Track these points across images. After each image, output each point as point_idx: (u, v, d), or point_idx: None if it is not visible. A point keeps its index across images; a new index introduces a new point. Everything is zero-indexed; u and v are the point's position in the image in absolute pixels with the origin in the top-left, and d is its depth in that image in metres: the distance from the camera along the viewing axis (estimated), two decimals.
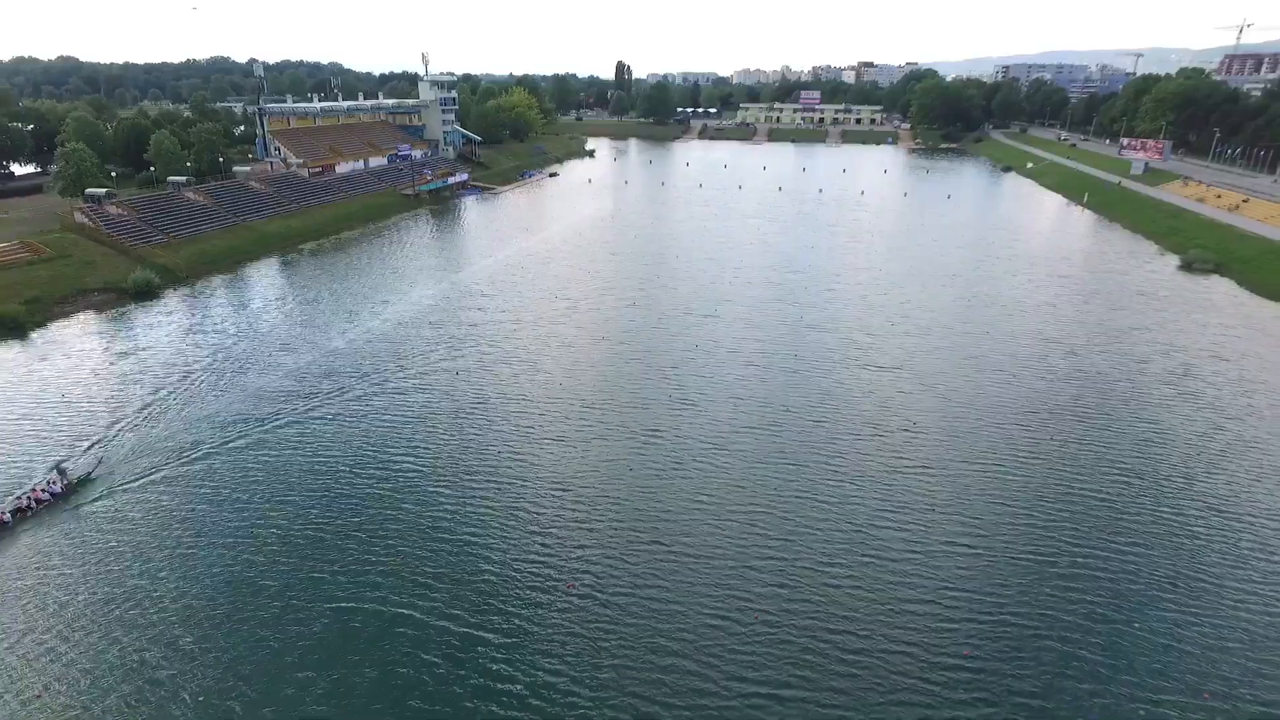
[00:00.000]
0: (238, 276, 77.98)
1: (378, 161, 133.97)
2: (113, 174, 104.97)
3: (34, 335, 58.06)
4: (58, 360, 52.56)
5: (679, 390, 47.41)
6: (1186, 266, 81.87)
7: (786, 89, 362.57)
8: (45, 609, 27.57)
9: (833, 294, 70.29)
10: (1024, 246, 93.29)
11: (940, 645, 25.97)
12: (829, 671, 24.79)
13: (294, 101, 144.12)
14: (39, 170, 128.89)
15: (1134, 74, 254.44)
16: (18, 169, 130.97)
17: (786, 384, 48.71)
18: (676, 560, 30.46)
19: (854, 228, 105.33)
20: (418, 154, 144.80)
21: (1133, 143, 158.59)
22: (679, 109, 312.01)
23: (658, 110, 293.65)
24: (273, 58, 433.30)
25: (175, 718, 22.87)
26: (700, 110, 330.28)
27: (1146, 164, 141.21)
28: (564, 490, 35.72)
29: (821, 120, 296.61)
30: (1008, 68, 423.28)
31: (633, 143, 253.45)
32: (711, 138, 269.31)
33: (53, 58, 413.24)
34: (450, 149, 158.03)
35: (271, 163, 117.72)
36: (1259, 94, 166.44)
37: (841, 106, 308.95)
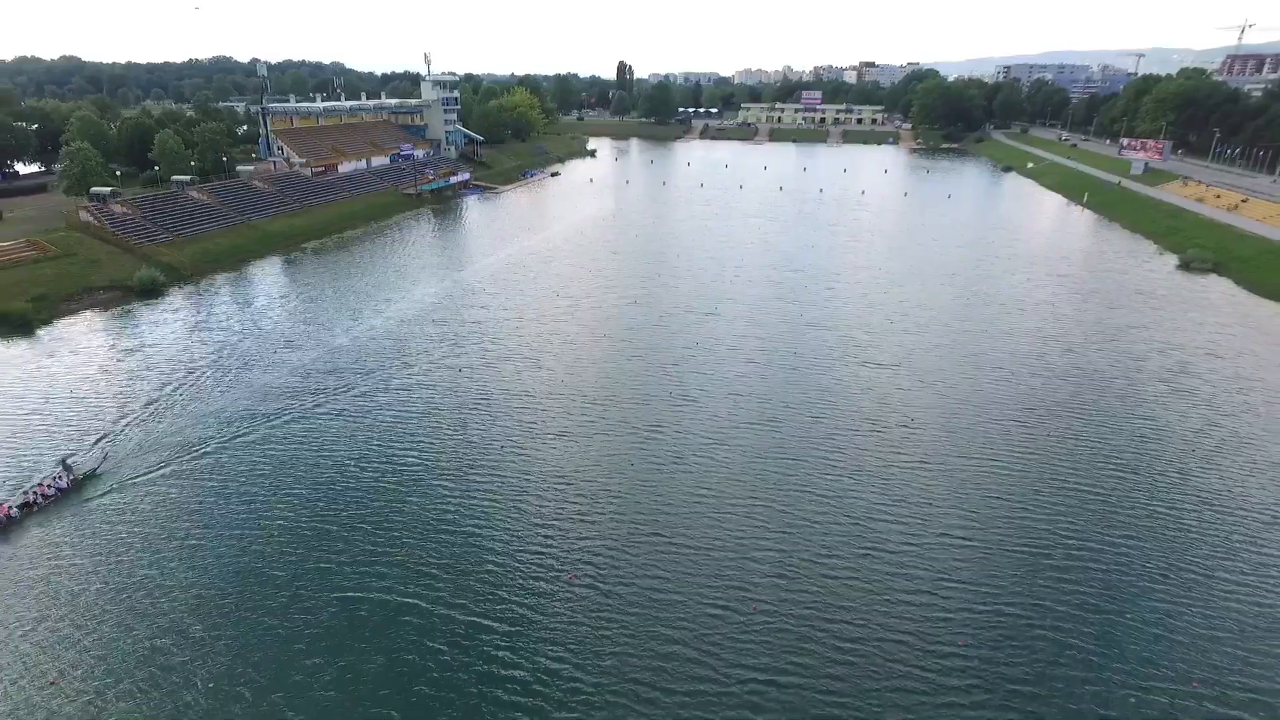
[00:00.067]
0: (242, 275, 78.57)
1: (380, 161, 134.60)
2: (117, 173, 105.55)
3: (41, 332, 58.66)
4: (65, 357, 53.15)
5: (680, 387, 47.93)
6: (1185, 266, 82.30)
7: (788, 89, 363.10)
8: (58, 598, 28.13)
9: (832, 292, 70.79)
10: (1023, 246, 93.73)
11: (936, 635, 26.49)
12: (826, 659, 25.31)
13: (297, 101, 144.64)
14: (43, 170, 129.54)
15: (1135, 74, 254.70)
16: (22, 168, 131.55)
17: (786, 381, 49.22)
18: (677, 552, 30.98)
19: (854, 227, 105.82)
20: (420, 153, 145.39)
21: (1133, 143, 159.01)
22: (680, 109, 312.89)
23: (659, 110, 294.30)
24: (275, 57, 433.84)
25: (188, 703, 23.42)
26: (702, 110, 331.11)
27: (1146, 164, 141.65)
28: (566, 484, 36.26)
29: (823, 120, 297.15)
30: (1009, 68, 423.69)
31: (634, 142, 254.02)
32: (713, 138, 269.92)
33: (55, 57, 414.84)
34: (452, 148, 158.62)
35: (275, 162, 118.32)
36: (1259, 94, 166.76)
37: (843, 106, 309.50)
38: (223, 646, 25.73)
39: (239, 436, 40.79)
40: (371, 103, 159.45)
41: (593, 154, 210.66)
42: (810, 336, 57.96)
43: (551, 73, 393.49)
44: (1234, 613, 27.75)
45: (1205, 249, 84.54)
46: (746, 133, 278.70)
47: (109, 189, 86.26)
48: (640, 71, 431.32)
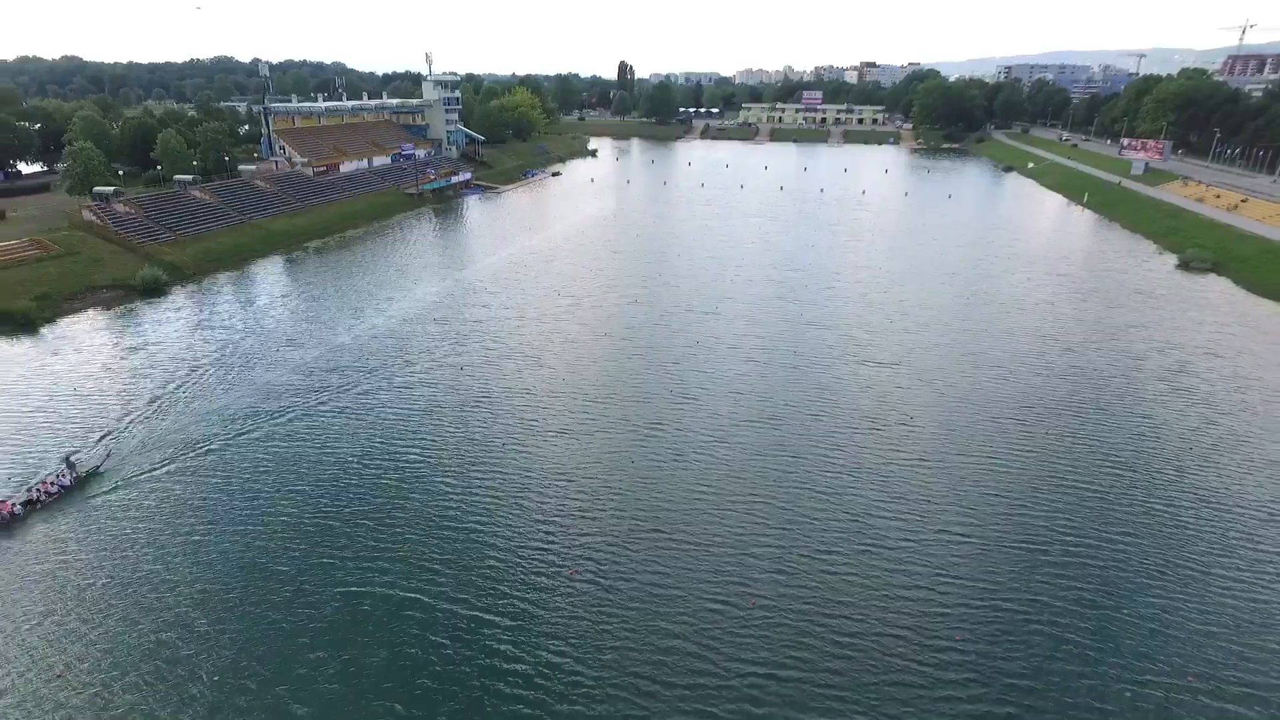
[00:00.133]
0: (244, 274, 78.86)
1: (381, 161, 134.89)
2: (120, 172, 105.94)
3: (44, 331, 58.97)
4: (69, 355, 53.44)
5: (680, 385, 48.18)
6: (1184, 265, 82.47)
7: (789, 89, 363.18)
8: (64, 593, 28.41)
9: (833, 292, 71.03)
10: (1023, 246, 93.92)
11: (934, 629, 26.73)
12: (825, 653, 25.56)
13: (298, 101, 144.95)
14: (46, 169, 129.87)
15: (1136, 74, 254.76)
16: (25, 168, 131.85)
17: (786, 379, 49.46)
18: (677, 548, 31.23)
19: (855, 227, 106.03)
20: (421, 153, 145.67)
21: (1133, 143, 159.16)
22: (681, 109, 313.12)
23: (660, 110, 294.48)
24: (276, 57, 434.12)
25: (193, 695, 23.69)
26: (702, 110, 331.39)
27: (1147, 164, 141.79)
28: (567, 481, 36.51)
29: (823, 120, 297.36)
30: (1010, 68, 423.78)
31: (635, 142, 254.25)
32: (714, 138, 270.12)
33: (57, 57, 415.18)
34: (453, 148, 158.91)
35: (276, 162, 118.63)
36: (1260, 94, 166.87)
37: (844, 107, 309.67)
38: (228, 640, 26.00)
39: (242, 434, 41.07)
40: (373, 103, 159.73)
41: (594, 154, 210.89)
42: (810, 335, 58.21)
43: (552, 73, 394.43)
44: (1229, 608, 27.99)
45: (1205, 249, 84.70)
46: (747, 133, 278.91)
47: (112, 188, 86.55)
48: (641, 71, 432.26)
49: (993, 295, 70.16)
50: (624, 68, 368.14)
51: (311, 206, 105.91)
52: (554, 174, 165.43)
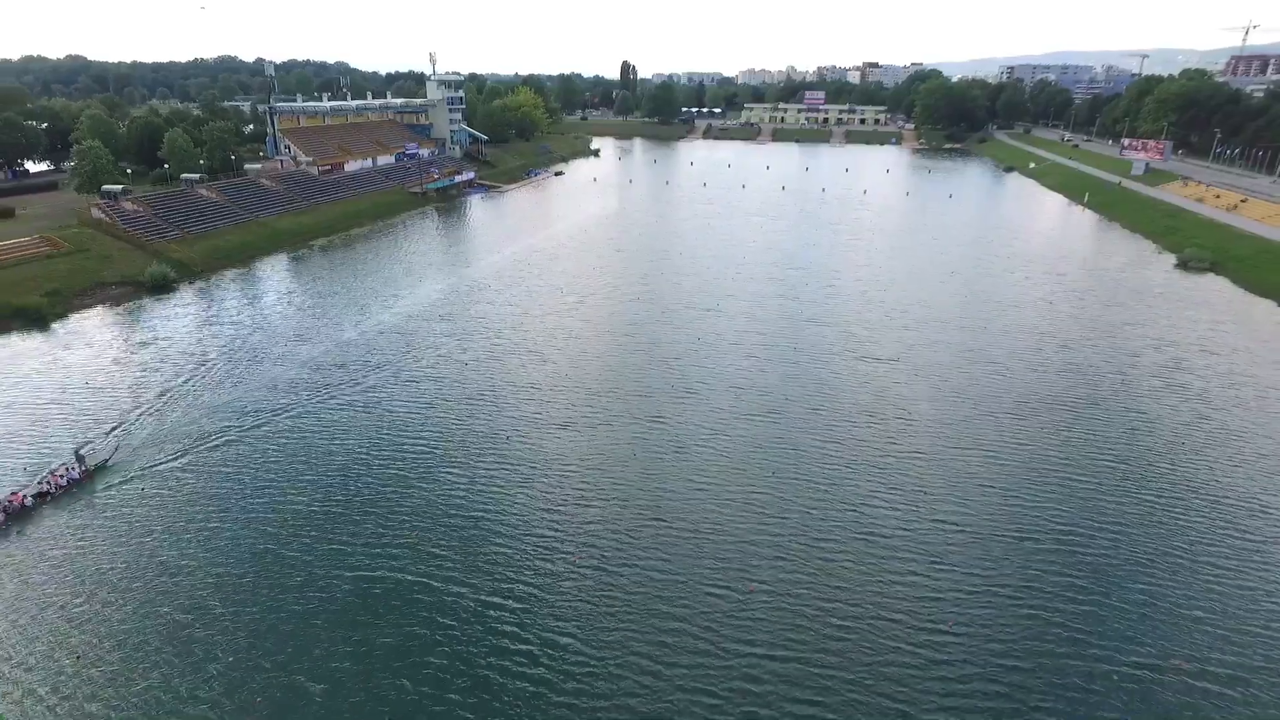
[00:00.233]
0: (250, 271, 79.79)
1: (385, 160, 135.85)
2: (127, 171, 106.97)
3: (55, 326, 59.91)
4: (80, 350, 54.36)
5: (682, 380, 48.97)
6: (1183, 265, 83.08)
7: (791, 89, 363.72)
8: (83, 578, 29.26)
9: (833, 290, 71.78)
10: (1023, 245, 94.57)
11: (928, 613, 27.51)
12: (822, 635, 26.36)
13: (303, 101, 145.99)
14: (53, 168, 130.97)
15: (1139, 75, 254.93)
16: (32, 166, 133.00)
17: (786, 375, 50.23)
18: (678, 536, 32.03)
19: (856, 226, 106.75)
20: (425, 152, 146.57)
21: (1134, 143, 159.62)
22: (684, 109, 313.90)
23: (662, 110, 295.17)
24: (280, 57, 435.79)
25: (211, 674, 24.53)
26: (705, 110, 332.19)
27: (1147, 164, 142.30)
28: (571, 472, 37.33)
29: (826, 120, 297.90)
30: (1013, 68, 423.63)
31: (638, 142, 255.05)
32: (716, 137, 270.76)
33: (61, 56, 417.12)
34: (457, 148, 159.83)
35: (282, 161, 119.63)
36: (1261, 95, 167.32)
37: (846, 107, 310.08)
38: (243, 622, 26.84)
39: (252, 427, 41.90)
40: (377, 102, 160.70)
41: (596, 153, 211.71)
42: (810, 332, 58.98)
43: (555, 72, 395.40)
44: (1216, 595, 28.74)
45: (1203, 248, 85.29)
46: (749, 133, 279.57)
47: (120, 186, 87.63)
48: (644, 71, 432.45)
49: (992, 294, 70.89)
50: (627, 67, 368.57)
51: (317, 205, 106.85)
52: (557, 173, 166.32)
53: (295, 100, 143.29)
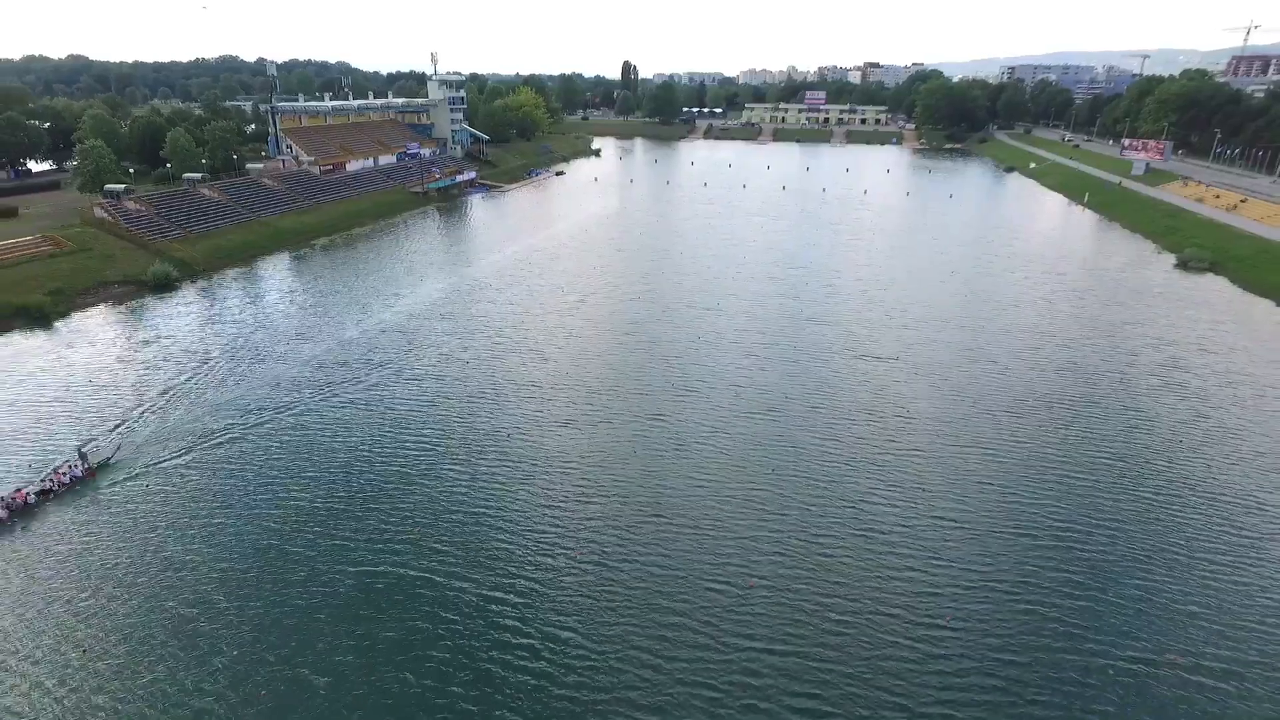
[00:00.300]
0: (252, 270, 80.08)
1: (387, 159, 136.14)
2: (130, 170, 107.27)
3: (58, 325, 60.20)
4: (84, 348, 54.65)
5: (682, 378, 49.22)
6: (1182, 265, 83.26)
7: (792, 89, 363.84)
8: (89, 573, 29.53)
9: (833, 289, 72.02)
10: (1023, 245, 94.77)
11: (925, 608, 27.76)
12: (820, 630, 26.62)
13: (305, 100, 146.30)
14: (55, 167, 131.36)
15: (1140, 75, 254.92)
16: (34, 166, 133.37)
17: (786, 373, 50.47)
18: (679, 532, 32.28)
19: (856, 226, 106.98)
20: (426, 152, 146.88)
21: (1134, 143, 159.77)
22: (685, 109, 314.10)
23: (663, 110, 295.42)
24: (281, 57, 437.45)
25: (216, 667, 24.79)
26: (706, 110, 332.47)
27: (1147, 164, 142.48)
28: (572, 469, 37.59)
29: (826, 120, 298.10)
30: (1014, 68, 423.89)
31: (638, 142, 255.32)
32: (717, 137, 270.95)
33: (63, 56, 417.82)
34: (458, 147, 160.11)
35: (283, 160, 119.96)
36: (1262, 95, 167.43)
37: (846, 107, 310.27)
38: (247, 616, 27.11)
39: (255, 425, 42.16)
40: (379, 102, 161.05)
41: (597, 153, 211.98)
42: (810, 331, 59.23)
43: (556, 72, 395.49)
44: (1212, 591, 28.97)
45: (1203, 248, 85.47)
46: (750, 133, 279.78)
47: (122, 186, 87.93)
48: (645, 71, 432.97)
49: (991, 293, 71.12)
50: (628, 68, 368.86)
51: (318, 204, 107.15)
52: (558, 173, 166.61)
53: (297, 100, 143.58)
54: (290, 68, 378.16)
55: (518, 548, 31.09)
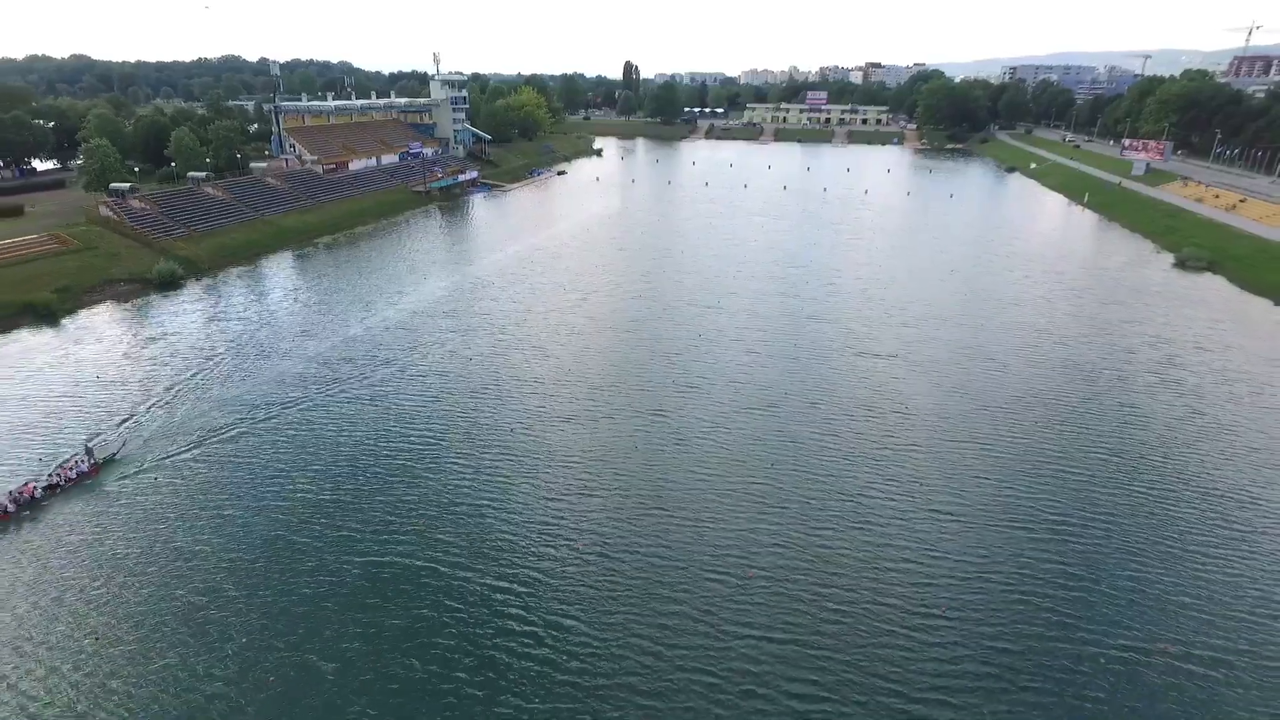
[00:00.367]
0: (256, 268, 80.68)
1: (389, 159, 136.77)
2: (134, 169, 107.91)
3: (65, 322, 60.82)
4: (90, 344, 55.25)
5: (683, 375, 49.75)
6: (1181, 264, 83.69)
7: (793, 89, 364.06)
8: (100, 563, 30.12)
9: (834, 288, 72.51)
10: (1023, 245, 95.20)
11: (921, 599, 28.28)
12: (818, 619, 27.14)
13: (307, 100, 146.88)
14: (60, 166, 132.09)
15: (1141, 75, 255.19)
16: (39, 165, 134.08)
17: (786, 370, 50.98)
18: (679, 525, 32.82)
19: (857, 226, 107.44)
20: (429, 152, 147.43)
21: (1134, 144, 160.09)
22: (686, 109, 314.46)
23: (665, 110, 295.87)
24: (283, 57, 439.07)
25: (226, 654, 25.36)
26: (707, 110, 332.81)
27: (1148, 165, 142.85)
28: (574, 463, 38.12)
29: (828, 120, 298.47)
30: (1015, 69, 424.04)
31: (640, 142, 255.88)
32: (718, 137, 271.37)
33: (65, 56, 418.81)
34: (460, 147, 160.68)
35: (287, 159, 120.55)
36: (1263, 95, 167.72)
37: (848, 107, 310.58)
38: (256, 605, 27.67)
39: (261, 420, 42.73)
40: (381, 102, 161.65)
41: (599, 153, 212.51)
42: (810, 329, 59.73)
43: (558, 72, 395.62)
44: (1204, 582, 29.46)
45: (1201, 248, 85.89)
46: (752, 133, 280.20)
47: (127, 185, 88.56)
48: (646, 71, 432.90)
49: (990, 292, 71.58)
50: (629, 68, 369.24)
51: (322, 203, 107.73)
52: (560, 173, 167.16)
53: (300, 100, 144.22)
54: (293, 67, 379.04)
55: (521, 539, 31.64)
